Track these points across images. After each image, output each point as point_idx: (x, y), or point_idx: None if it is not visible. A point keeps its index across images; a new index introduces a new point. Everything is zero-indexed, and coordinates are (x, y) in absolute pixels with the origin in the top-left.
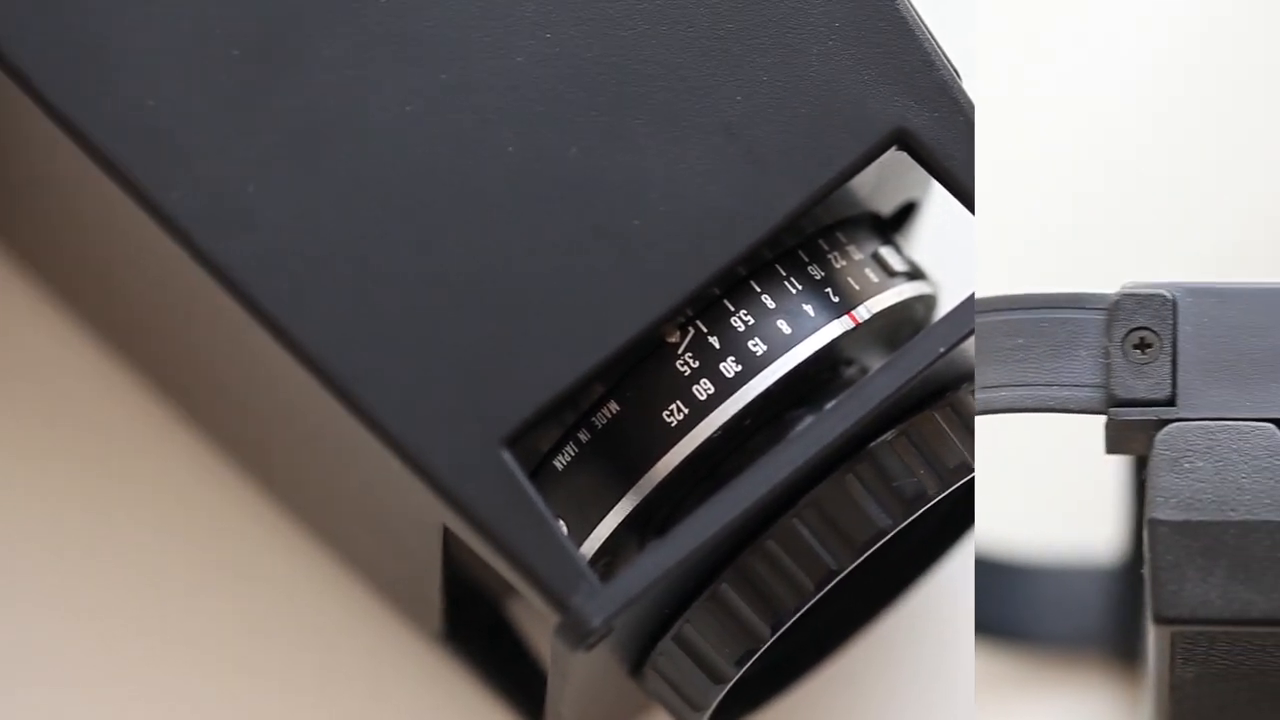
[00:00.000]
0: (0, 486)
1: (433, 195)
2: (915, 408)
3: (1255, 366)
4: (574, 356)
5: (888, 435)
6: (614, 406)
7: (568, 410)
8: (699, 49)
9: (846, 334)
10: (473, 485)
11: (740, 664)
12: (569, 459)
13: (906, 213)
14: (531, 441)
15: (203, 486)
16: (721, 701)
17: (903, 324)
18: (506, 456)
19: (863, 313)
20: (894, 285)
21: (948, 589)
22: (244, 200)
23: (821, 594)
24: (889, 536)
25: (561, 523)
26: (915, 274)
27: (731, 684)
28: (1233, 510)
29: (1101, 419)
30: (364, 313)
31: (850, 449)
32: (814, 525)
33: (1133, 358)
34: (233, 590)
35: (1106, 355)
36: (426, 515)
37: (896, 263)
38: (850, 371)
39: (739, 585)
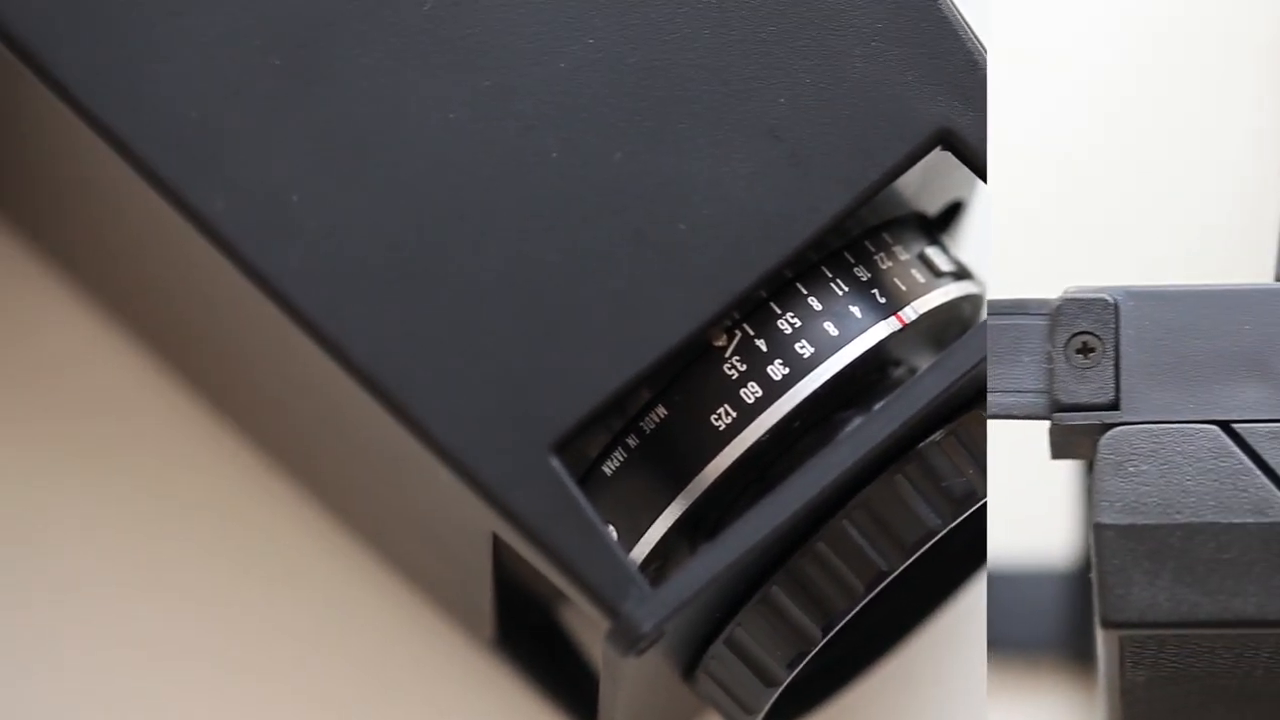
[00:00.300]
0: (55, 493)
1: (476, 202)
2: (963, 407)
3: (1198, 369)
4: (620, 362)
5: (936, 435)
6: (662, 411)
7: (615, 415)
8: (741, 52)
9: (893, 335)
10: (521, 492)
11: (792, 666)
12: (618, 464)
13: (953, 212)
14: (580, 447)
15: (252, 495)
16: (775, 703)
17: (950, 324)
18: (555, 463)
19: (909, 313)
20: (940, 285)
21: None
22: (288, 210)
23: (872, 595)
24: (939, 536)
25: (611, 528)
26: (962, 274)
27: (784, 686)
28: (1178, 513)
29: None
30: (410, 321)
31: (899, 450)
32: (864, 526)
33: (1075, 362)
34: (284, 599)
35: (1049, 360)
36: (476, 523)
37: (943, 263)
38: (898, 372)
39: (790, 587)
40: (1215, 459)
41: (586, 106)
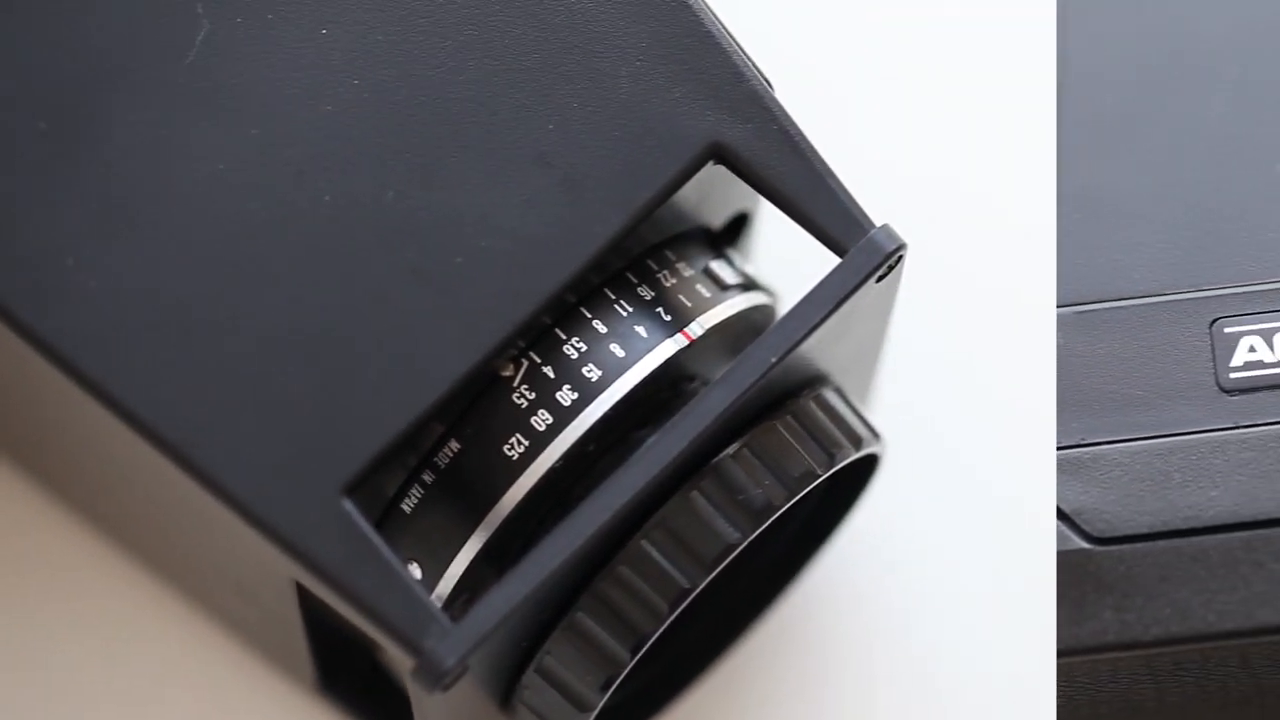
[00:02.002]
0: None
1: (252, 251)
2: (757, 418)
3: None
4: (406, 400)
5: (730, 449)
6: (455, 445)
7: (409, 453)
8: (508, 81)
9: (682, 351)
10: (315, 537)
11: (604, 689)
12: (416, 501)
13: (739, 224)
14: (377, 487)
15: (74, 555)
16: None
17: (743, 335)
18: (348, 505)
19: (696, 329)
20: (727, 299)
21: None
22: (64, 274)
23: (677, 613)
24: (740, 549)
25: (415, 565)
26: (750, 285)
27: (599, 709)
28: None
29: None
30: (192, 374)
31: (695, 465)
32: (663, 545)
33: None
34: (112, 658)
35: None
36: (278, 571)
37: (729, 276)
38: (693, 387)
39: (595, 612)
40: None
41: (355, 148)
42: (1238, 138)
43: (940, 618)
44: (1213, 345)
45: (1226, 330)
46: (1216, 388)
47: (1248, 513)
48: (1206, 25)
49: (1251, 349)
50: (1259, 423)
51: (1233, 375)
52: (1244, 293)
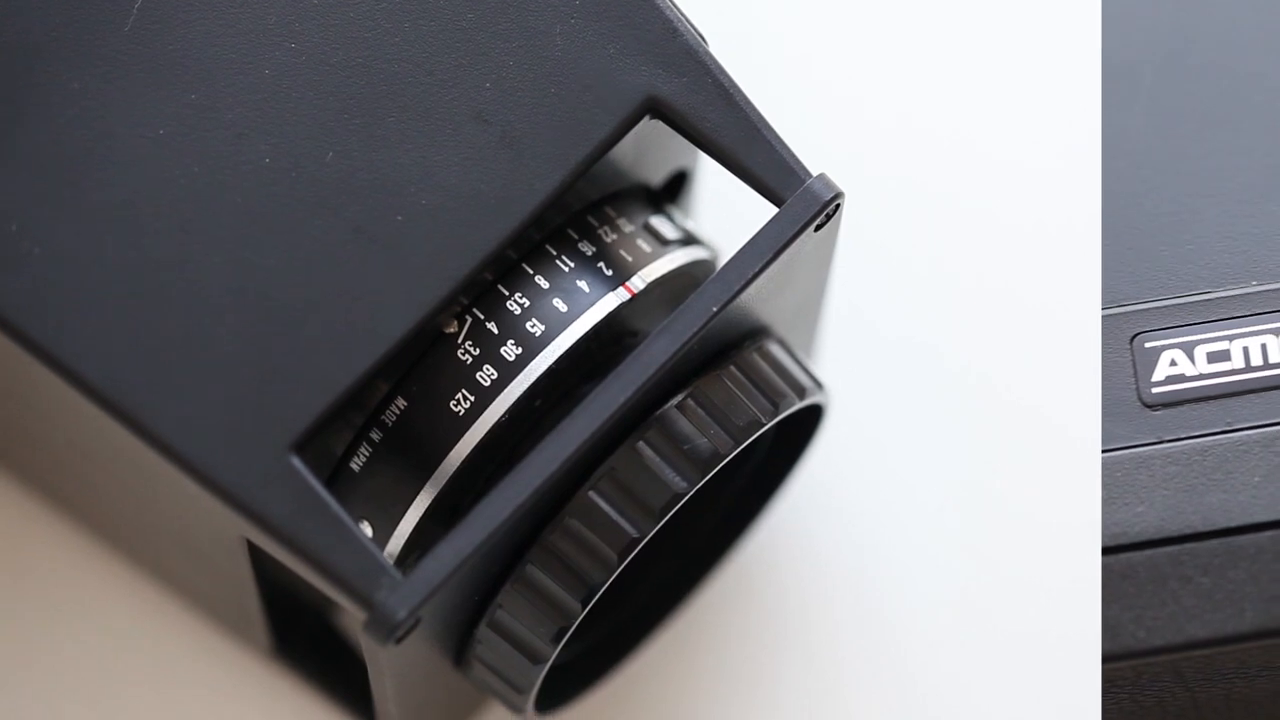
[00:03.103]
0: None
1: (194, 214)
2: (701, 368)
3: None
4: (351, 357)
5: (675, 399)
6: (401, 402)
7: (356, 411)
8: (443, 41)
9: (624, 305)
10: (264, 493)
11: (556, 641)
12: (365, 459)
13: (678, 182)
14: (325, 445)
15: (19, 523)
16: (555, 683)
17: (684, 290)
18: (296, 462)
19: (637, 283)
20: (667, 253)
21: (775, 547)
22: (8, 240)
23: (626, 563)
24: (686, 499)
25: (366, 523)
26: (690, 240)
27: (551, 662)
28: None
29: None
30: (138, 337)
31: (640, 416)
32: (611, 496)
33: None
34: (66, 629)
35: None
36: (228, 530)
37: (669, 231)
38: (635, 342)
39: (545, 563)
40: None
41: (294, 110)
42: (1155, 150)
43: (899, 580)
44: (1134, 360)
45: (1147, 345)
46: (1139, 403)
47: (1173, 528)
48: (1122, 41)
49: (1173, 363)
50: (1182, 436)
51: (1155, 390)
52: (1164, 307)
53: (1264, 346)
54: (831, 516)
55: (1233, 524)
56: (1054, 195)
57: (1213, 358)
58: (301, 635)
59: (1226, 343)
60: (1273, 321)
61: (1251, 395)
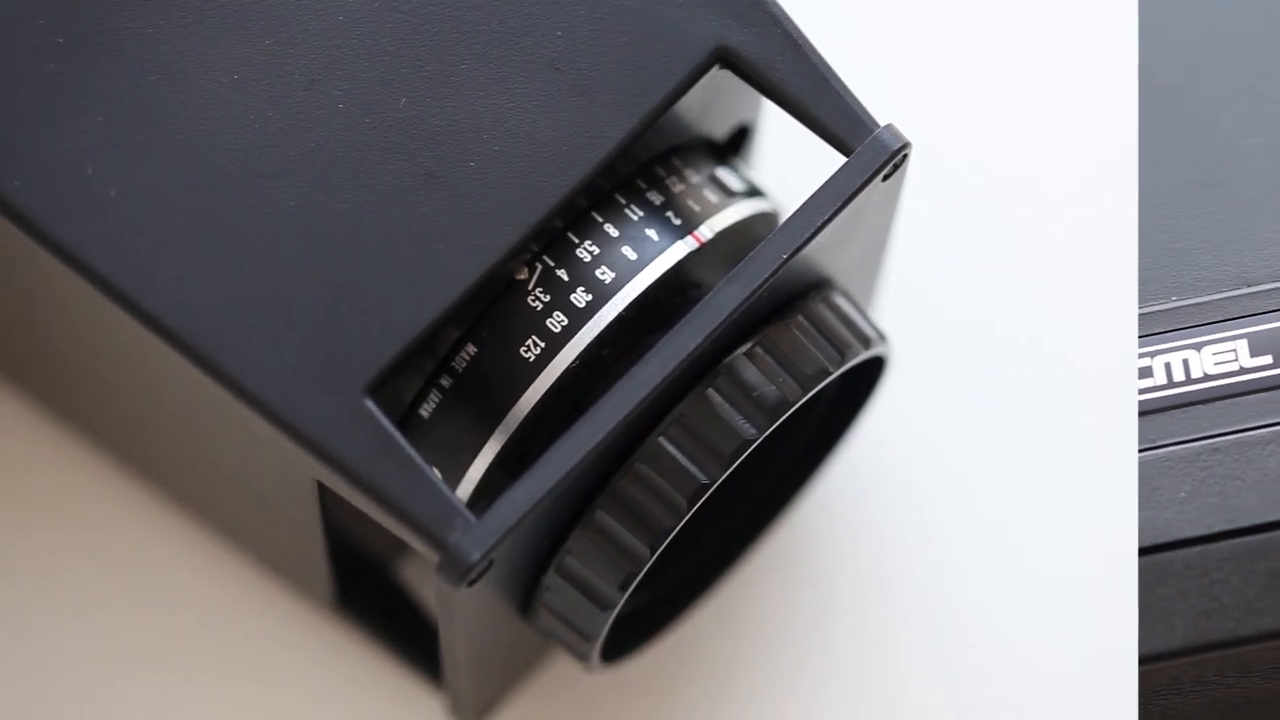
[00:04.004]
0: None
1: (268, 158)
2: (768, 318)
3: None
4: (424, 302)
5: (743, 347)
6: (471, 349)
7: (427, 357)
8: None
9: (692, 254)
10: (339, 435)
11: (624, 588)
12: (434, 406)
13: (740, 137)
14: (395, 391)
15: (84, 481)
16: (617, 634)
17: (746, 243)
18: (370, 404)
19: (705, 232)
20: (733, 204)
21: (830, 505)
22: (84, 182)
23: (695, 509)
24: (756, 445)
25: (435, 470)
26: (754, 192)
27: (618, 610)
28: None
29: None
30: (213, 279)
31: (709, 364)
32: (680, 441)
33: None
34: (125, 582)
35: None
36: (299, 473)
37: (734, 183)
38: (700, 294)
39: (614, 509)
40: None
41: (367, 56)
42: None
43: (956, 546)
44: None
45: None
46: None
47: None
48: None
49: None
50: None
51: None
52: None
53: None
54: (883, 476)
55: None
56: (1091, 208)
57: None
58: (364, 589)
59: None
60: None
61: None
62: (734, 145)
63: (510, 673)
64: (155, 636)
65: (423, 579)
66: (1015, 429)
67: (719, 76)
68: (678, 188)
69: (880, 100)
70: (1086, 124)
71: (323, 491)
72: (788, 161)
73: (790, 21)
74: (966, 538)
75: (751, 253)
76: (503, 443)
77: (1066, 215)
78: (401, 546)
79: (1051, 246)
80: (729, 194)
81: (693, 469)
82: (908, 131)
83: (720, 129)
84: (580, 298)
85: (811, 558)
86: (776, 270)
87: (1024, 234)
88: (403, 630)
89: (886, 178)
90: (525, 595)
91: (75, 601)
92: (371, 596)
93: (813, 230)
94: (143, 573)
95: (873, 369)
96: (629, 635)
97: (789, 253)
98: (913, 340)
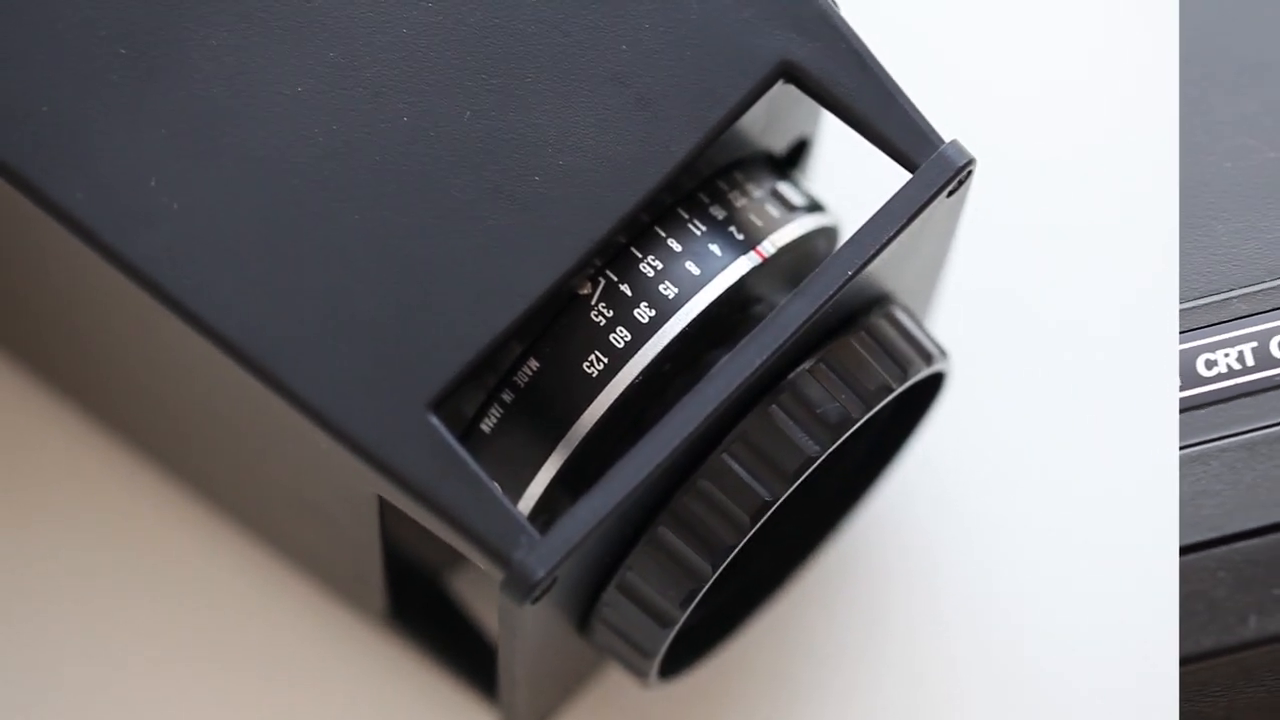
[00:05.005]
0: None
1: (332, 171)
2: (830, 335)
3: None
4: (488, 316)
5: (806, 363)
6: (534, 364)
7: (489, 372)
8: (580, 3)
9: (755, 270)
10: (403, 450)
11: (685, 605)
12: (495, 420)
13: (799, 151)
14: (457, 406)
15: (134, 492)
16: (672, 650)
17: (807, 259)
18: (433, 420)
19: (768, 247)
20: (796, 219)
21: (882, 521)
22: (147, 195)
23: (758, 527)
24: (818, 463)
25: (495, 485)
26: (815, 207)
27: (678, 627)
28: None
29: None
30: (277, 293)
31: (771, 381)
32: (743, 458)
33: None
34: (175, 594)
35: None
36: (360, 488)
37: (795, 197)
38: (761, 310)
39: (676, 526)
40: None
41: (432, 69)
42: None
43: (1006, 561)
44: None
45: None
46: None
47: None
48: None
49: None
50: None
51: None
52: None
53: None
54: (934, 491)
55: None
56: (1133, 199)
57: None
58: (417, 600)
59: None
60: None
61: None
62: (793, 157)
63: (564, 687)
64: (205, 648)
65: (476, 591)
66: (1057, 429)
67: (783, 90)
68: (740, 202)
69: (924, 92)
70: (1126, 128)
71: (382, 505)
72: (846, 172)
73: (855, 35)
74: (1010, 543)
75: (816, 270)
76: (564, 459)
77: (1108, 213)
78: (456, 558)
79: (1092, 242)
80: (791, 209)
81: (756, 486)
82: (950, 129)
83: (781, 142)
84: (643, 313)
85: (862, 567)
86: (840, 288)
87: (1066, 230)
88: (455, 642)
89: (951, 194)
90: (584, 611)
91: (125, 612)
92: (424, 608)
93: (877, 248)
94: (192, 585)
95: (931, 383)
96: (684, 651)
97: (854, 270)
98: (955, 341)
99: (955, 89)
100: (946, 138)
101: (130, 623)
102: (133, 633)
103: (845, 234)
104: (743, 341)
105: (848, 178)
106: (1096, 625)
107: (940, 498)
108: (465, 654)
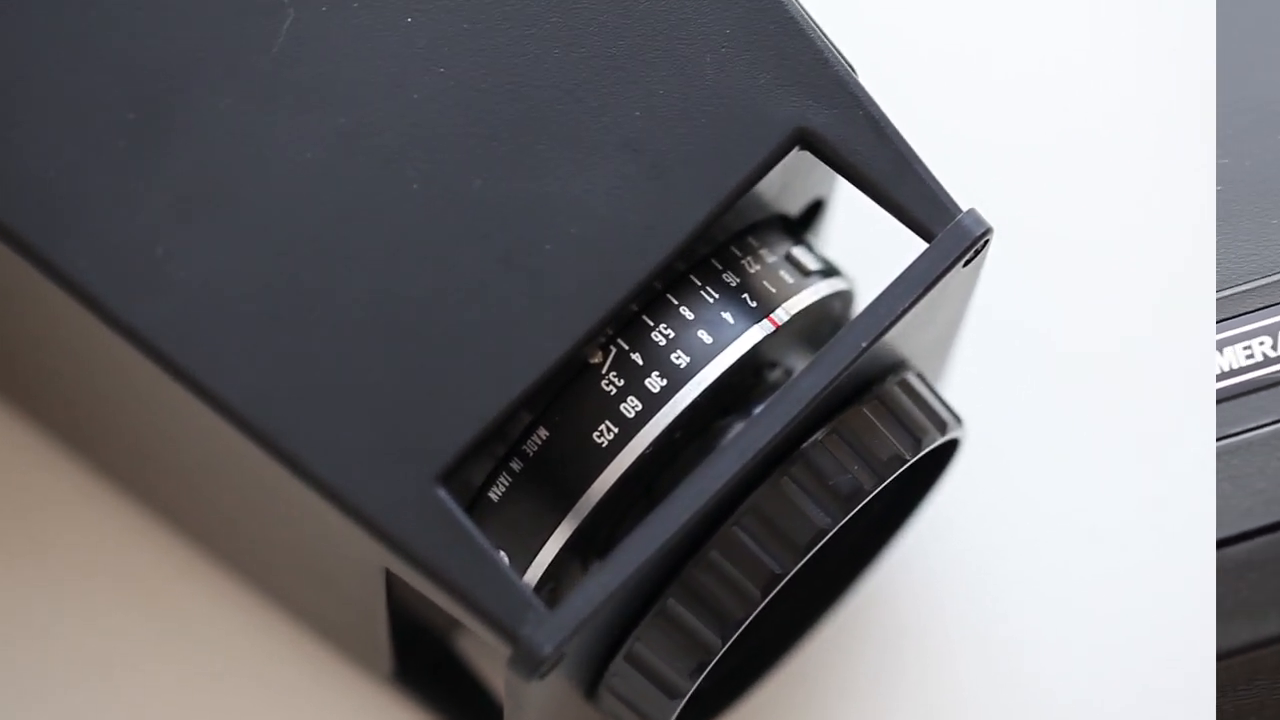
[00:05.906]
0: None
1: (341, 240)
2: (843, 404)
3: None
4: (498, 387)
5: (819, 434)
6: (543, 433)
7: (498, 441)
8: (593, 69)
9: (768, 337)
10: (411, 525)
11: (694, 676)
12: (504, 489)
13: (814, 211)
14: (465, 475)
15: (143, 550)
16: (681, 714)
17: (822, 322)
18: (442, 493)
19: (781, 315)
20: (810, 284)
21: (895, 581)
22: (154, 262)
23: (769, 599)
24: (830, 535)
25: (502, 554)
26: (830, 271)
27: (687, 698)
28: None
29: None
30: (284, 363)
31: (784, 451)
32: (754, 531)
33: None
34: (182, 650)
35: None
36: (367, 559)
37: (810, 262)
38: (774, 375)
39: (686, 598)
40: None
41: (443, 136)
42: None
43: (1021, 614)
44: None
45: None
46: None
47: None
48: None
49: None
50: None
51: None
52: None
53: None
54: (949, 537)
55: None
56: (1169, 185)
57: None
58: (421, 660)
59: None
60: None
61: None
62: (808, 217)
63: None
64: (212, 706)
65: (481, 651)
66: (1090, 430)
67: (799, 156)
68: (753, 269)
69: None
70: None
71: (389, 575)
72: (862, 228)
73: (872, 101)
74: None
75: (831, 340)
76: (574, 528)
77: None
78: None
79: (1126, 243)
80: (805, 273)
81: (766, 559)
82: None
83: (795, 206)
84: (655, 382)
85: (875, 621)
86: (854, 360)
87: (1098, 235)
88: (462, 702)
89: (968, 263)
90: (592, 680)
91: (127, 666)
92: (429, 668)
93: (892, 319)
94: (198, 639)
95: (945, 449)
96: (693, 715)
97: (868, 341)
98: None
99: (973, 148)
100: (966, 184)
101: (138, 680)
102: (140, 689)
103: (860, 294)
104: (755, 414)
105: (864, 234)
106: (1132, 625)
107: (950, 539)
108: (472, 713)
